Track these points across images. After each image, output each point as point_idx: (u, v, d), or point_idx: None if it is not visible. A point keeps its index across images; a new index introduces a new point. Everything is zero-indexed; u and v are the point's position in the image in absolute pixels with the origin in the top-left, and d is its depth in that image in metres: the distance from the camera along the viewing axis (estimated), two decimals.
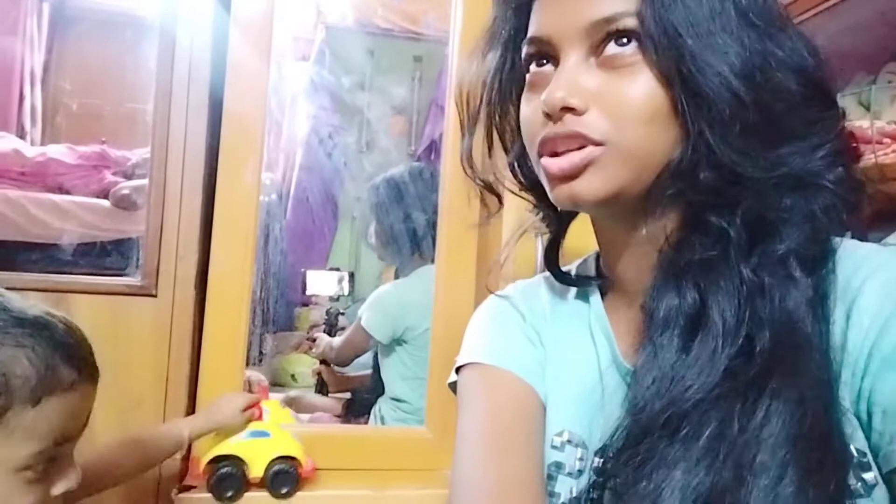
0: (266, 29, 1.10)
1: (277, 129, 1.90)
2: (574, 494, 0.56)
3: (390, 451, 1.13)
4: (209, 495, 0.95)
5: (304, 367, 1.97)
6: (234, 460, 0.96)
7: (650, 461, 0.45)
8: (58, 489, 0.63)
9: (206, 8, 1.09)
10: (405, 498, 1.01)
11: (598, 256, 0.66)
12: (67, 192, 1.75)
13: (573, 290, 0.66)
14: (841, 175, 0.48)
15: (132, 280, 1.06)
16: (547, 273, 0.69)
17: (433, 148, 1.97)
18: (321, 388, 1.81)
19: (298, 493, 0.98)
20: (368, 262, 1.96)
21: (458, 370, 0.65)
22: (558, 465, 0.58)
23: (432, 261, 1.27)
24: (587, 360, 0.60)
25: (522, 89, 0.58)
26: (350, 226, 2.15)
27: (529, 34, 0.55)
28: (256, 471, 0.97)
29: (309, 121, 1.92)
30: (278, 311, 1.97)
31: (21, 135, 2.09)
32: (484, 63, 0.62)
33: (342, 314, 2.00)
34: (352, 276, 2.03)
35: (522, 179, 0.64)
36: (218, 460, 0.95)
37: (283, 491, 0.97)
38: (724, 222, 0.48)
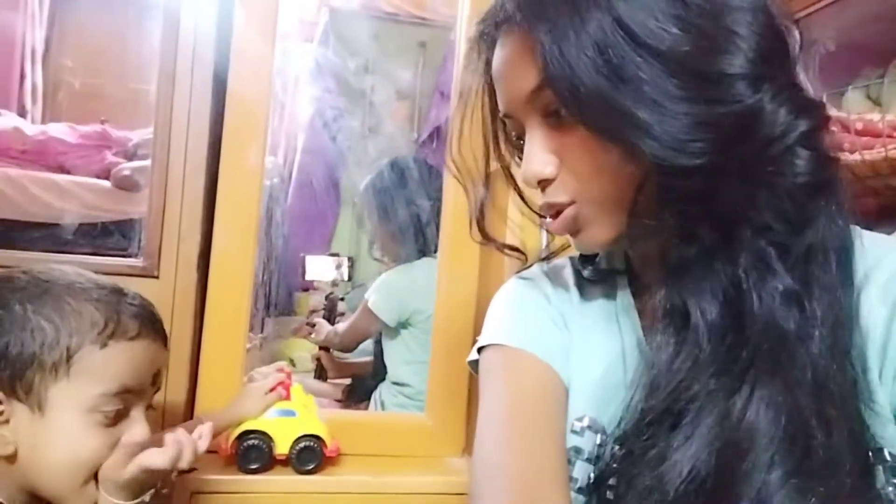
0: (271, 10, 1.09)
1: (281, 111, 1.89)
2: (591, 480, 0.56)
3: (390, 437, 1.13)
4: (212, 476, 0.95)
5: (304, 351, 1.97)
6: (262, 435, 0.97)
7: (656, 446, 0.48)
8: (127, 439, 0.67)
9: None
10: (404, 484, 1.01)
11: None
12: (68, 172, 1.75)
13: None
14: (808, 159, 0.47)
15: (134, 261, 1.05)
16: (573, 255, 0.68)
17: (437, 135, 1.96)
18: (320, 373, 1.81)
19: (293, 476, 0.98)
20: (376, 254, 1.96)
21: (479, 350, 0.65)
22: (577, 450, 0.58)
23: (437, 248, 1.26)
24: (611, 346, 0.61)
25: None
26: (352, 211, 2.14)
27: (500, 110, 0.58)
28: (282, 447, 0.98)
29: (313, 103, 1.91)
30: (278, 295, 1.97)
31: (22, 113, 2.07)
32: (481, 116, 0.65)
33: (342, 300, 1.99)
34: (352, 261, 2.02)
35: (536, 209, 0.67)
36: (245, 434, 0.97)
37: (308, 468, 0.98)
38: (695, 226, 0.49)
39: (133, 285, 1.03)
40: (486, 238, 0.67)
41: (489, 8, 0.58)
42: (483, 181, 0.66)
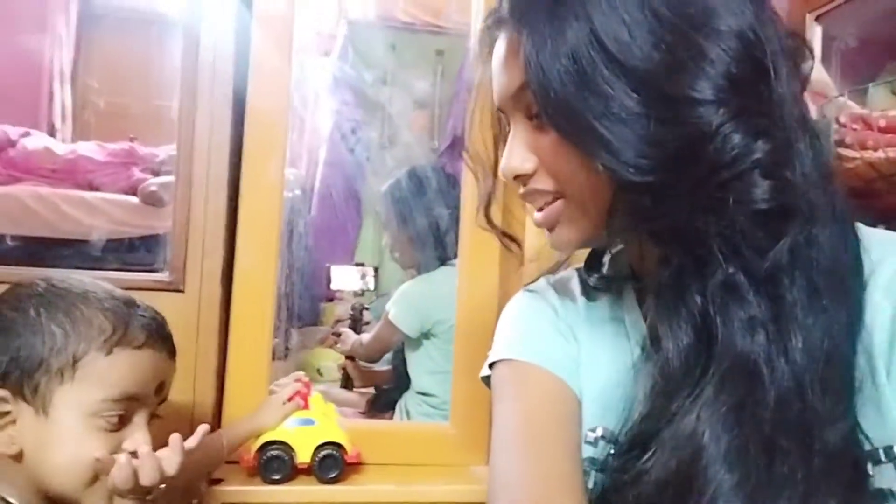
0: (288, 25, 1.11)
1: (300, 124, 1.91)
2: (604, 488, 0.56)
3: (414, 446, 1.14)
4: (241, 487, 0.96)
5: (330, 361, 1.98)
6: (283, 445, 0.98)
7: (652, 439, 0.49)
8: (128, 446, 0.68)
9: (228, 5, 1.09)
10: (429, 493, 1.01)
11: None
12: (97, 189, 1.79)
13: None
14: (768, 187, 0.46)
15: (160, 276, 1.07)
16: (579, 266, 0.68)
17: (456, 143, 1.97)
18: (346, 382, 1.82)
19: (318, 486, 0.99)
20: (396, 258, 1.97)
21: (490, 365, 0.65)
22: (592, 461, 0.58)
23: (456, 256, 1.27)
24: (620, 354, 0.60)
25: None
26: (374, 221, 2.15)
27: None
28: (303, 456, 0.99)
29: (332, 116, 1.93)
30: (303, 305, 1.99)
31: (51, 132, 2.13)
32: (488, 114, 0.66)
33: (367, 309, 2.00)
34: (376, 270, 2.03)
35: None
36: (267, 445, 0.98)
37: (330, 476, 0.99)
38: (667, 247, 0.49)
39: (159, 300, 1.06)
40: (490, 225, 0.69)
41: (494, 4, 0.60)
42: (492, 170, 0.67)
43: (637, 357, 0.58)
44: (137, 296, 1.05)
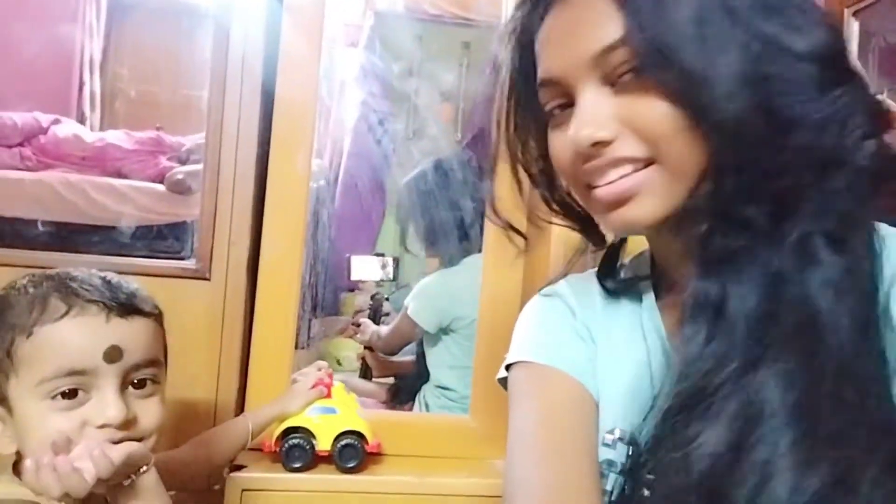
0: (317, 16, 1.11)
1: (327, 115, 1.92)
2: (625, 492, 0.56)
3: (434, 438, 1.14)
4: (261, 474, 0.98)
5: (349, 351, 2.00)
6: (304, 432, 0.99)
7: (681, 435, 0.47)
8: (96, 421, 0.65)
9: None
10: (448, 486, 1.01)
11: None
12: (125, 177, 1.81)
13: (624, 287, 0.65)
14: (871, 149, 0.47)
15: (187, 263, 1.09)
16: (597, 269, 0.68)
17: (481, 135, 1.96)
18: (365, 372, 1.83)
19: (336, 475, 1.00)
20: (414, 248, 1.97)
21: (507, 367, 0.65)
22: (610, 463, 0.58)
23: (479, 249, 1.26)
24: (638, 357, 0.60)
25: (539, 122, 0.60)
26: (396, 212, 2.16)
27: (540, 77, 0.56)
28: (324, 444, 1.00)
29: (358, 107, 1.94)
30: (325, 295, 2.00)
31: (81, 120, 2.16)
32: (496, 103, 0.64)
33: (387, 300, 2.01)
34: (396, 261, 2.04)
35: (557, 208, 0.66)
36: (288, 432, 0.99)
37: (350, 465, 0.99)
38: (748, 212, 0.47)
39: (186, 287, 1.08)
40: (497, 216, 0.68)
41: None
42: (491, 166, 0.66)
43: (657, 362, 0.58)
44: (166, 283, 1.07)
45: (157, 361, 0.72)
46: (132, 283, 0.72)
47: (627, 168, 0.51)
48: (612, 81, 0.51)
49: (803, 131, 0.46)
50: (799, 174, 0.46)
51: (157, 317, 0.73)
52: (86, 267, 0.73)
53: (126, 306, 0.69)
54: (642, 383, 0.58)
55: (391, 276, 2.01)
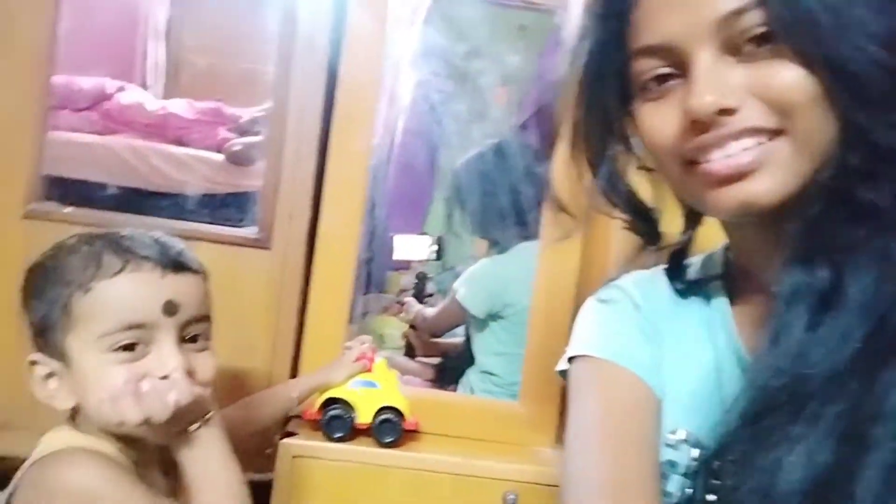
0: None
1: (387, 93, 1.92)
2: (688, 494, 0.55)
3: (481, 421, 1.15)
4: (310, 442, 1.00)
5: (393, 329, 2.01)
6: (345, 404, 1.01)
7: (771, 437, 0.44)
8: (157, 372, 0.67)
9: None
10: (495, 469, 1.02)
11: (726, 248, 0.64)
12: (186, 146, 1.85)
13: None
14: None
15: (249, 232, 1.11)
16: (666, 266, 0.67)
17: (537, 120, 1.94)
18: (409, 351, 1.84)
19: (386, 449, 1.02)
20: (461, 229, 1.97)
21: (569, 359, 0.64)
22: (672, 464, 0.57)
23: (536, 236, 1.25)
24: (705, 356, 0.59)
25: (621, 99, 0.55)
26: (448, 194, 2.16)
27: (645, 42, 0.51)
28: (364, 417, 1.02)
29: (418, 86, 1.93)
30: (374, 273, 2.02)
31: (145, 88, 2.21)
32: (564, 82, 0.60)
33: (430, 280, 2.01)
34: (442, 242, 2.03)
35: (617, 201, 0.62)
36: (329, 403, 1.01)
37: (388, 440, 1.01)
38: (873, 198, 0.44)
39: (247, 256, 1.10)
40: (555, 199, 0.66)
41: None
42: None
43: (727, 364, 0.57)
44: (228, 250, 1.10)
45: (208, 317, 0.75)
46: (179, 242, 0.75)
47: (750, 141, 0.47)
48: (736, 48, 0.47)
49: None
50: None
51: (204, 275, 0.76)
52: (152, 230, 0.76)
53: (177, 262, 0.71)
54: (709, 385, 0.57)
55: (434, 256, 2.01)
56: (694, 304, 0.63)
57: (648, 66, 0.51)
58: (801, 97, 0.45)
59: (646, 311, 0.64)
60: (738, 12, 0.46)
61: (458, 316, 1.60)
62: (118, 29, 2.25)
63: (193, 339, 0.72)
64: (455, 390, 1.54)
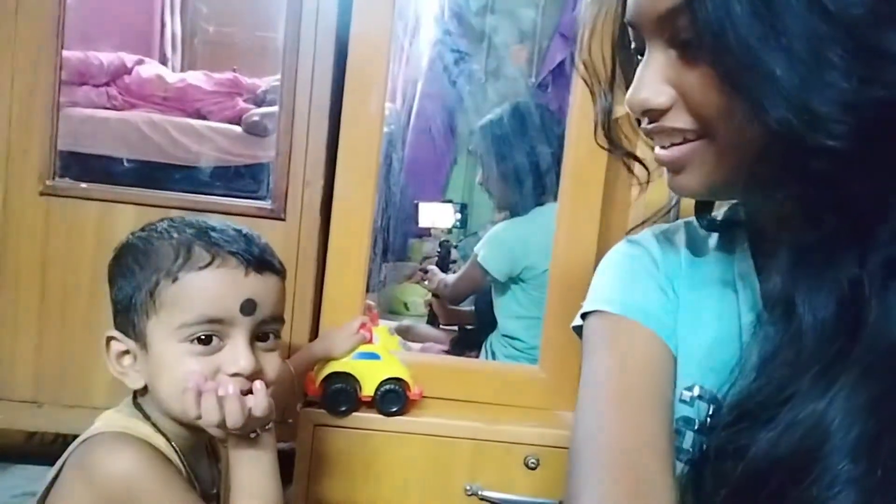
0: None
1: (400, 55, 1.88)
2: (703, 451, 0.54)
3: (502, 387, 1.14)
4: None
5: (416, 296, 2.01)
6: (348, 378, 1.01)
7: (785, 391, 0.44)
8: (228, 369, 0.68)
9: None
10: (516, 434, 1.02)
11: None
12: (204, 118, 1.84)
13: (716, 237, 0.61)
14: None
15: (263, 203, 1.11)
16: (688, 219, 0.64)
17: (554, 78, 1.88)
18: (432, 319, 1.84)
19: (407, 416, 1.02)
20: (483, 196, 1.95)
21: (583, 315, 0.63)
22: (687, 421, 0.56)
23: (554, 198, 1.23)
24: (726, 312, 0.57)
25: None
26: (467, 157, 2.12)
27: (626, 17, 0.52)
28: (367, 389, 1.02)
29: (433, 46, 1.88)
30: (394, 240, 2.01)
31: (163, 61, 2.20)
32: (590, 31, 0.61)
33: (455, 247, 2.00)
34: (465, 208, 2.01)
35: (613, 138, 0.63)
36: (332, 377, 1.01)
37: (392, 410, 1.01)
38: (820, 212, 0.42)
39: (261, 227, 1.09)
40: (612, 144, 0.62)
41: None
42: (609, 84, 0.61)
43: (748, 318, 0.54)
44: (242, 222, 1.09)
45: (282, 318, 0.76)
46: (262, 238, 0.76)
47: (678, 137, 0.49)
48: (678, 46, 0.47)
49: (874, 138, 0.39)
50: (867, 185, 0.41)
51: (283, 274, 0.77)
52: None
53: (261, 261, 0.72)
54: (730, 343, 0.55)
55: (460, 223, 1.99)
56: (715, 258, 0.60)
57: (633, 36, 0.53)
58: (713, 112, 0.45)
59: (663, 266, 0.62)
60: (674, 12, 0.45)
61: (479, 280, 1.59)
62: (135, 2, 2.24)
63: (265, 338, 0.73)
64: (477, 357, 1.53)
